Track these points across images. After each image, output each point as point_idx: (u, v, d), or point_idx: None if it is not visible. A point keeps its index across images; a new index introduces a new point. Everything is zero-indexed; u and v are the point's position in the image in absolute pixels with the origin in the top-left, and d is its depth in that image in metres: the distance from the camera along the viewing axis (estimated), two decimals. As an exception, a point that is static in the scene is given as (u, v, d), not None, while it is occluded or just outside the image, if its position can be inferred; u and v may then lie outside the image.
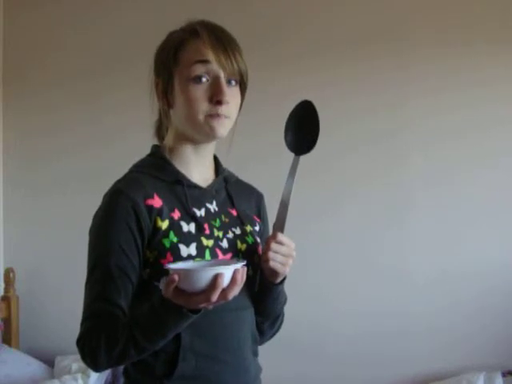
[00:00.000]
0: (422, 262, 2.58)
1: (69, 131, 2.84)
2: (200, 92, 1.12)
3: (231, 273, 0.96)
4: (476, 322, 2.52)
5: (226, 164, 1.31)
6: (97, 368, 1.10)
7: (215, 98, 1.12)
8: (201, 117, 1.12)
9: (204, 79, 1.12)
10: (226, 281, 0.95)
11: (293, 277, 2.53)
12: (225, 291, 0.96)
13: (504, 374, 2.39)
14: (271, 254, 1.13)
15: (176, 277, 0.95)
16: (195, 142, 1.19)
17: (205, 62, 1.12)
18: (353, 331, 2.59)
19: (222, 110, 1.12)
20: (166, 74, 1.17)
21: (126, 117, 2.72)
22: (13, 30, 2.89)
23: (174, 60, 1.15)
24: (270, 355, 2.47)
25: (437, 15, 2.59)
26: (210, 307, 0.99)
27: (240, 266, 0.98)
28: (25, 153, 2.91)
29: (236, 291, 0.97)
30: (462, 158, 2.57)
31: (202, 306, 0.98)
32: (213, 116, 1.12)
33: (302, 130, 1.22)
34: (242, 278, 0.97)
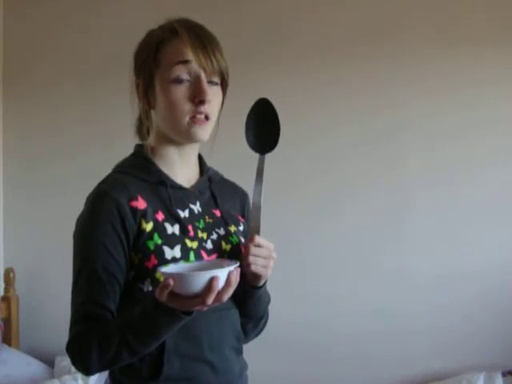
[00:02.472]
0: (421, 262, 2.57)
1: (69, 131, 2.84)
2: (181, 93, 1.12)
3: (226, 275, 0.96)
4: (476, 322, 2.52)
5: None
6: (88, 372, 1.10)
7: (197, 97, 1.11)
8: (184, 120, 1.12)
9: (185, 79, 1.12)
10: (221, 283, 0.95)
11: (293, 277, 2.53)
12: (220, 293, 0.96)
13: (504, 374, 2.39)
14: (251, 258, 1.12)
15: (171, 281, 0.94)
16: (177, 144, 1.19)
17: (185, 62, 1.12)
18: (353, 331, 2.59)
19: (205, 109, 1.12)
20: (146, 75, 1.16)
21: (126, 117, 2.69)
22: (13, 29, 2.89)
23: (154, 61, 1.15)
24: (270, 355, 2.48)
25: (437, 15, 2.59)
26: (205, 309, 0.99)
27: (233, 267, 0.97)
28: (25, 153, 2.91)
29: (230, 293, 0.97)
30: (462, 158, 2.57)
31: (197, 308, 0.98)
32: (195, 119, 1.12)
33: (263, 128, 1.20)
34: (236, 280, 0.97)
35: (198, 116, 1.13)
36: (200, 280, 0.94)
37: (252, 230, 1.17)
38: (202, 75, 1.12)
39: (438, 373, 2.52)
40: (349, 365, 2.57)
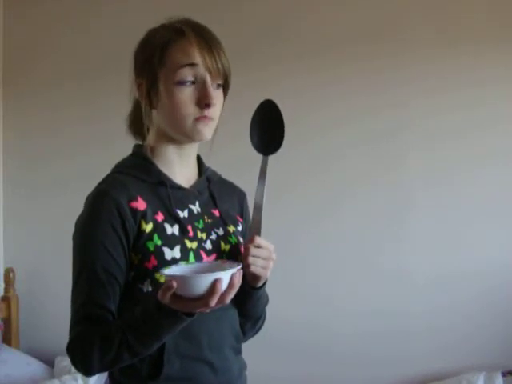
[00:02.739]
0: (421, 262, 2.57)
1: (69, 131, 2.84)
2: (186, 96, 1.11)
3: (229, 277, 0.96)
4: (476, 322, 2.52)
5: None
6: (88, 373, 1.10)
7: (203, 101, 1.11)
8: (189, 121, 1.12)
9: (190, 82, 1.12)
10: (224, 285, 0.95)
11: (293, 277, 2.53)
12: (223, 295, 0.96)
13: (504, 374, 2.39)
14: (251, 259, 1.12)
15: (174, 283, 0.94)
16: (178, 143, 1.18)
17: (191, 65, 1.11)
18: (353, 331, 2.59)
19: (210, 112, 1.12)
20: (150, 74, 1.15)
21: (125, 117, 2.71)
22: (13, 29, 2.89)
23: (159, 62, 1.14)
24: (269, 355, 2.48)
25: (437, 15, 2.59)
26: (208, 311, 0.99)
27: (236, 269, 0.97)
28: (25, 153, 2.91)
29: (233, 294, 0.97)
30: (462, 157, 2.57)
31: (200, 310, 0.98)
32: (199, 119, 1.12)
33: (267, 129, 1.20)
34: (239, 282, 0.97)
35: (202, 119, 1.13)
36: (203, 282, 0.93)
37: (252, 231, 1.16)
38: (208, 78, 1.12)
39: (438, 373, 2.52)
40: (349, 365, 2.57)
